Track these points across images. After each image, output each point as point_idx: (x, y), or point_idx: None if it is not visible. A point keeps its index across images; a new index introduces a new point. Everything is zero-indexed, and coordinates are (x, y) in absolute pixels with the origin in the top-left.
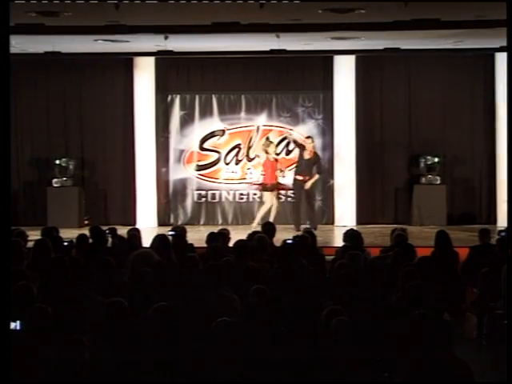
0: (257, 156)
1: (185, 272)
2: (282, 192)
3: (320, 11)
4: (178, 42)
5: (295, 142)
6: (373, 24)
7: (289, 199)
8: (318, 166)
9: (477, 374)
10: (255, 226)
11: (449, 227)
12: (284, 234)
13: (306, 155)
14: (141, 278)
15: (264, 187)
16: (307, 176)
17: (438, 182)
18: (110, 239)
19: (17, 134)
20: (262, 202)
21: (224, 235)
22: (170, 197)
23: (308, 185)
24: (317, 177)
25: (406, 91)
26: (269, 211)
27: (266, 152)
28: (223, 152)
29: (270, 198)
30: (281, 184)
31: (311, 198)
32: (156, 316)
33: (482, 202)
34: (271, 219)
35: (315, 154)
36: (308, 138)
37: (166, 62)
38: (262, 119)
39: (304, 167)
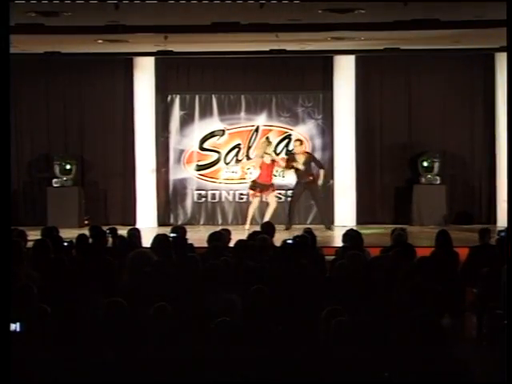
0: (257, 156)
1: (185, 272)
2: (282, 192)
3: (320, 11)
4: (178, 42)
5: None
6: (373, 24)
7: (288, 199)
8: (316, 162)
9: (477, 374)
10: (247, 227)
11: (449, 227)
12: (284, 234)
13: (300, 159)
14: (141, 278)
15: (253, 185)
16: (310, 176)
17: (438, 182)
18: (110, 239)
19: (17, 134)
20: (248, 202)
21: (225, 235)
22: (170, 197)
23: (320, 182)
24: (322, 172)
25: (406, 91)
26: (253, 212)
27: (265, 153)
28: (223, 152)
29: (256, 199)
30: (273, 186)
31: (317, 198)
32: (156, 316)
33: (482, 201)
34: (266, 219)
35: (306, 153)
36: (296, 141)
37: (166, 62)
38: (261, 119)
39: (302, 172)
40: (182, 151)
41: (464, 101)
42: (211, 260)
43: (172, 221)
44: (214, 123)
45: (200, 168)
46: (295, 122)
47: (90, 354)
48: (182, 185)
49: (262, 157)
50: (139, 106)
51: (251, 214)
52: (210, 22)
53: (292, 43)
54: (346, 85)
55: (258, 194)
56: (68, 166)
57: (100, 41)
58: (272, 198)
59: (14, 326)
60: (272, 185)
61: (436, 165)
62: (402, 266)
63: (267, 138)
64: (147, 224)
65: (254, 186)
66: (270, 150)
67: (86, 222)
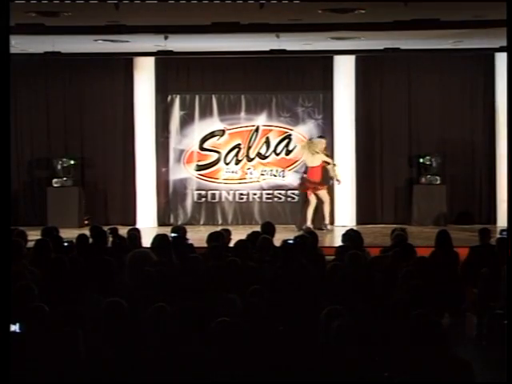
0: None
1: (185, 272)
2: (282, 192)
3: (320, 11)
4: (178, 42)
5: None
6: (373, 24)
7: (288, 199)
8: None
9: (477, 374)
10: (308, 224)
11: (449, 227)
12: (284, 234)
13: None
14: (141, 278)
15: (305, 184)
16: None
17: (438, 182)
18: (110, 239)
19: (17, 134)
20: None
21: (225, 235)
22: (170, 197)
23: (334, 172)
24: (335, 164)
25: (406, 91)
26: (312, 211)
27: (315, 151)
28: (223, 152)
29: (313, 198)
30: (323, 183)
31: (322, 199)
32: (156, 316)
33: (482, 201)
34: (326, 215)
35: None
36: (321, 137)
37: (166, 62)
38: (261, 119)
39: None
40: (182, 151)
41: (464, 101)
42: (211, 260)
43: (172, 221)
44: (214, 123)
45: (200, 168)
46: (295, 122)
47: (90, 354)
48: (182, 185)
49: (313, 154)
50: (139, 106)
51: (311, 213)
52: (210, 22)
53: (292, 43)
54: (346, 85)
55: (311, 191)
56: (68, 166)
57: (100, 41)
58: (325, 195)
59: (14, 327)
60: (322, 182)
61: (436, 165)
62: (402, 266)
63: (310, 139)
64: (147, 224)
65: (306, 184)
66: (318, 148)
67: (86, 222)
